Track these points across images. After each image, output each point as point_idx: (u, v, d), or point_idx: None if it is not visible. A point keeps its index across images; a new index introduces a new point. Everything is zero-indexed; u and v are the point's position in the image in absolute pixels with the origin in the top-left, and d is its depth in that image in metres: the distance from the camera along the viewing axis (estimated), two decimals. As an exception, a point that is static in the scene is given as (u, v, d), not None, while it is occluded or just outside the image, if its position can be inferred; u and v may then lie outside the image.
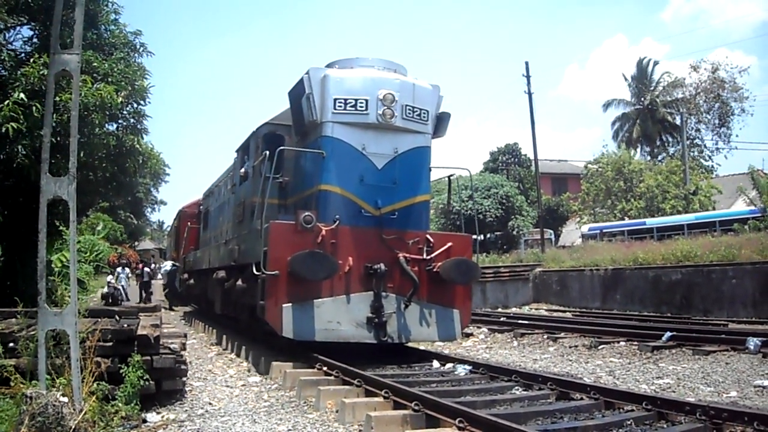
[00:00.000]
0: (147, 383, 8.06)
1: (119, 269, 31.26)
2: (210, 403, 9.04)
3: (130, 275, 31.07)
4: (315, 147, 12.39)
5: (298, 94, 12.66)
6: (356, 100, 12.23)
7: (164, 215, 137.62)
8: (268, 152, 12.45)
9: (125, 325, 8.35)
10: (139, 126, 32.91)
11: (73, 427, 6.29)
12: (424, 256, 12.46)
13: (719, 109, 57.58)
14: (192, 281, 23.17)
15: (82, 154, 20.86)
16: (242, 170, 15.49)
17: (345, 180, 12.22)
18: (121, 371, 7.94)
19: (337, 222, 11.95)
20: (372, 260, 11.98)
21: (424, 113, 12.75)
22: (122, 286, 29.51)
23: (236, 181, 15.97)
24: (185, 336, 10.34)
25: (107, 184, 36.19)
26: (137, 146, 33.53)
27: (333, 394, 9.11)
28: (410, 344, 13.29)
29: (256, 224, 12.64)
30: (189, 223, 26.10)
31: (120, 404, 7.59)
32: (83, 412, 6.55)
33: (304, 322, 11.48)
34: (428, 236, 12.66)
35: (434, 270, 12.38)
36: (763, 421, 6.91)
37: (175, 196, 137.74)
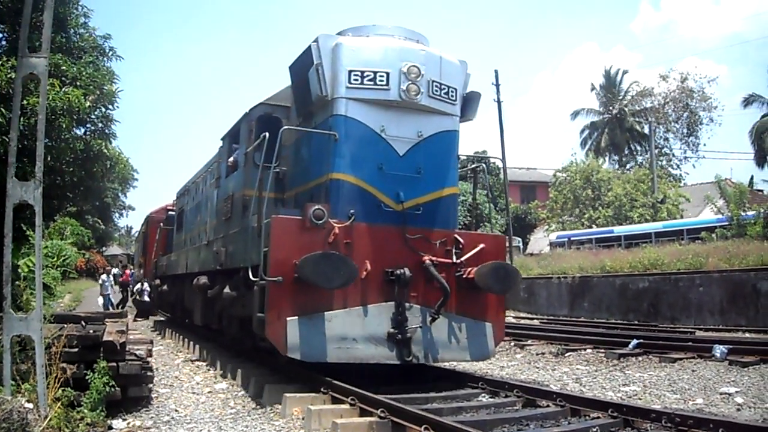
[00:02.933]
0: (113, 389, 7.76)
1: (104, 277, 28.71)
2: (176, 410, 8.66)
3: (113, 283, 28.36)
4: (324, 129, 9.82)
5: (303, 66, 10.05)
6: (375, 73, 9.67)
7: (132, 220, 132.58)
8: (267, 134, 9.73)
9: (91, 331, 7.93)
10: (107, 130, 30.72)
11: None
12: (454, 260, 9.87)
13: (688, 119, 56.18)
14: (165, 287, 20.05)
15: (49, 159, 20.25)
16: (231, 159, 12.72)
17: (361, 168, 9.64)
18: (87, 377, 7.57)
19: (352, 218, 9.36)
20: (393, 264, 9.46)
21: (452, 91, 10.22)
22: (108, 294, 27.31)
23: (222, 173, 13.23)
24: (151, 342, 9.94)
25: (75, 189, 33.94)
26: (105, 151, 31.34)
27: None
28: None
29: (252, 221, 10.01)
30: (161, 224, 23.07)
31: (85, 410, 7.25)
32: (48, 419, 6.31)
33: (313, 339, 8.92)
34: (457, 236, 10.10)
35: (465, 276, 9.83)
36: (729, 427, 6.71)
37: (143, 201, 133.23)
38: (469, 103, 10.65)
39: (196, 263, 14.48)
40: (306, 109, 10.32)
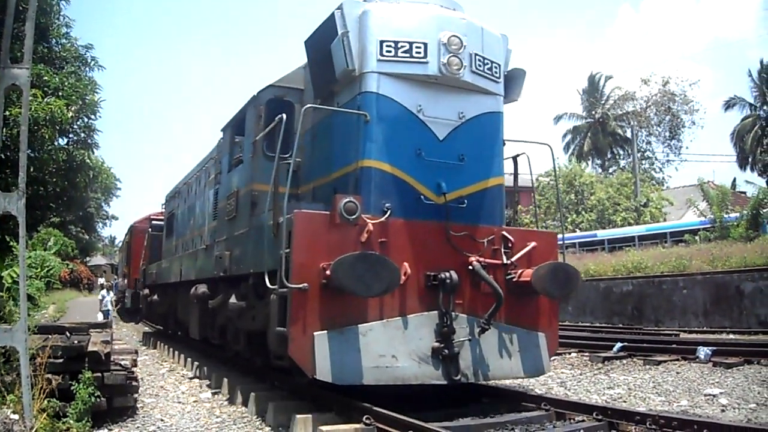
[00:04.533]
0: (98, 400, 7.43)
1: (103, 293, 26.98)
2: (162, 420, 8.29)
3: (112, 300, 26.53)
4: (351, 109, 7.99)
5: (323, 38, 8.29)
6: (410, 44, 7.91)
7: (116, 230, 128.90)
8: (284, 116, 7.86)
9: (76, 342, 7.64)
10: (89, 140, 29.20)
11: None
12: (504, 260, 8.07)
13: (670, 122, 54.85)
14: (156, 297, 17.86)
15: (32, 169, 19.73)
16: (229, 149, 10.77)
17: (396, 154, 7.86)
18: (72, 388, 7.25)
19: (388, 212, 7.53)
20: (435, 266, 7.70)
21: (495, 67, 8.49)
22: (108, 310, 25.50)
23: (223, 167, 11.29)
24: (136, 352, 9.67)
25: (58, 199, 32.27)
26: (88, 161, 29.65)
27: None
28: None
29: (265, 218, 8.14)
30: (150, 230, 20.96)
31: (71, 421, 7.00)
32: (34, 430, 6.10)
33: (345, 357, 7.12)
34: (505, 233, 8.30)
35: (517, 279, 8.06)
36: (713, 429, 6.48)
37: (126, 211, 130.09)
38: (512, 82, 8.90)
39: (191, 270, 12.54)
40: (327, 89, 8.50)
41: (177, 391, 10.46)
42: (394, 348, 7.29)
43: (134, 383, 8.30)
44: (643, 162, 54.24)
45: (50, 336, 7.78)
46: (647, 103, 56.07)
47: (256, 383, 9.71)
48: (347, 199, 7.18)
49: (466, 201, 8.05)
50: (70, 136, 32.13)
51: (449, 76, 7.90)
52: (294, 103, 9.33)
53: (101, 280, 52.22)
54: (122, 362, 8.19)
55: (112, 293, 27.45)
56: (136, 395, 8.53)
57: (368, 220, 7.34)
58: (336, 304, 7.11)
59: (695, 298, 21.50)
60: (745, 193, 40.75)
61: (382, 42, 7.81)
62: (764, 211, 30.66)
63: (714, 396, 9.17)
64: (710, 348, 12.42)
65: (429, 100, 7.99)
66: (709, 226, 31.73)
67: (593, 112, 56.84)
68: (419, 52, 7.84)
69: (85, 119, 31.62)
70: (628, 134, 52.85)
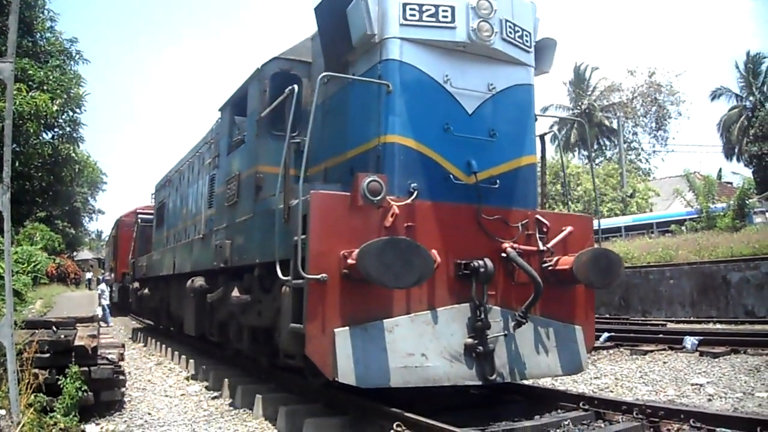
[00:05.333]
0: (85, 394, 7.18)
1: (102, 286, 25.81)
2: (149, 413, 8.06)
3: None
4: (371, 78, 6.97)
5: (337, 2, 7.21)
6: (437, 7, 6.91)
7: (102, 225, 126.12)
8: (296, 87, 6.85)
9: (62, 336, 7.34)
10: (75, 134, 28.47)
11: None
12: (540, 247, 7.09)
13: (656, 113, 54.02)
14: (146, 291, 16.66)
15: (17, 164, 20.14)
16: (228, 130, 9.69)
17: (422, 129, 6.85)
18: (59, 382, 7.00)
19: (415, 193, 6.50)
20: (466, 253, 6.72)
21: (526, 35, 7.52)
22: (107, 304, 24.41)
23: (222, 150, 10.18)
24: (123, 346, 9.22)
25: (44, 194, 31.37)
26: (73, 155, 28.70)
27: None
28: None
29: (274, 202, 7.14)
30: (139, 221, 19.78)
31: (58, 416, 6.72)
32: (21, 425, 5.85)
33: (370, 356, 6.13)
34: (539, 216, 7.32)
35: (552, 268, 7.13)
36: (700, 418, 6.19)
37: (112, 205, 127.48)
38: (542, 52, 7.90)
39: (187, 262, 11.44)
40: (340, 59, 7.45)
41: (164, 385, 10.17)
42: (424, 345, 6.31)
43: (121, 377, 8.04)
44: (630, 153, 53.47)
45: (37, 331, 7.47)
46: (633, 94, 55.29)
47: (258, 384, 8.78)
48: (371, 178, 6.18)
49: (498, 181, 7.07)
50: (56, 130, 31.24)
51: (479, 44, 6.93)
52: (301, 78, 8.28)
53: (89, 275, 50.75)
54: (109, 356, 7.90)
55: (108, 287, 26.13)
56: (123, 389, 8.28)
57: (393, 202, 6.34)
58: (358, 296, 6.15)
59: (682, 288, 21.21)
60: (731, 183, 40.36)
61: (404, 4, 6.82)
62: (750, 201, 30.50)
63: (701, 385, 8.96)
64: (697, 338, 12.24)
65: (456, 69, 7.01)
66: (695, 216, 31.28)
67: (579, 103, 55.70)
68: (446, 17, 6.87)
69: (70, 113, 30.75)
70: (614, 125, 51.92)
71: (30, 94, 23.16)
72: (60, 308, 25.15)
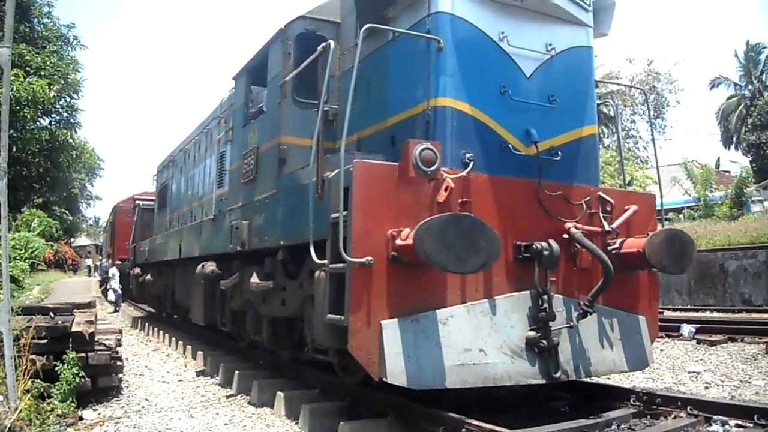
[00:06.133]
0: (83, 380, 6.95)
1: (113, 270, 24.34)
2: (146, 399, 7.73)
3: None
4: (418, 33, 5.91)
5: None
6: None
7: (100, 211, 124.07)
8: (332, 42, 5.81)
9: (60, 322, 7.07)
10: (72, 120, 27.60)
11: (9, 426, 5.42)
12: (606, 227, 6.07)
13: (654, 101, 52.79)
14: (149, 277, 15.48)
15: (14, 150, 19.68)
16: (244, 101, 8.57)
17: (476, 91, 5.80)
18: (57, 368, 6.77)
19: (471, 165, 5.45)
20: (526, 234, 5.73)
21: None
22: (118, 287, 23.31)
23: (236, 122, 9.03)
24: (120, 332, 8.81)
25: (41, 180, 30.46)
26: (71, 141, 27.77)
27: None
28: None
29: (303, 175, 6.09)
30: (140, 204, 18.62)
31: (56, 402, 6.51)
32: (18, 411, 5.66)
33: (424, 353, 5.11)
34: (602, 193, 6.30)
35: (619, 251, 6.10)
36: (697, 405, 5.87)
37: (110, 191, 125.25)
38: (601, 13, 6.86)
39: (195, 246, 10.34)
40: (378, 14, 6.36)
41: (162, 371, 9.85)
42: (482, 339, 5.30)
43: (119, 363, 7.82)
44: (628, 141, 52.33)
45: (34, 317, 7.24)
46: (632, 82, 53.96)
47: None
48: (424, 146, 5.14)
49: (559, 153, 6.04)
50: (53, 115, 30.27)
51: (537, -1, 5.89)
52: (329, 39, 7.20)
53: (88, 261, 49.59)
54: (106, 342, 7.64)
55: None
56: (120, 375, 8.06)
57: (446, 175, 5.30)
58: (408, 283, 5.15)
59: (679, 276, 19.84)
60: (729, 172, 39.55)
61: None
62: (748, 190, 29.80)
63: (698, 373, 8.75)
64: (694, 326, 11.94)
65: (513, 27, 6.00)
66: (693, 204, 30.53)
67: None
68: (501, -34, 5.82)
69: (68, 99, 29.77)
70: (612, 113, 50.77)
71: (27, 79, 22.68)
72: (57, 294, 24.56)
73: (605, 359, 5.98)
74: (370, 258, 4.94)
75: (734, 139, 42.97)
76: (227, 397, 7.70)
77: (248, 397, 7.44)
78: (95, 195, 62.27)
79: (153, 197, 18.59)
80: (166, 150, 18.56)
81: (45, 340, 6.87)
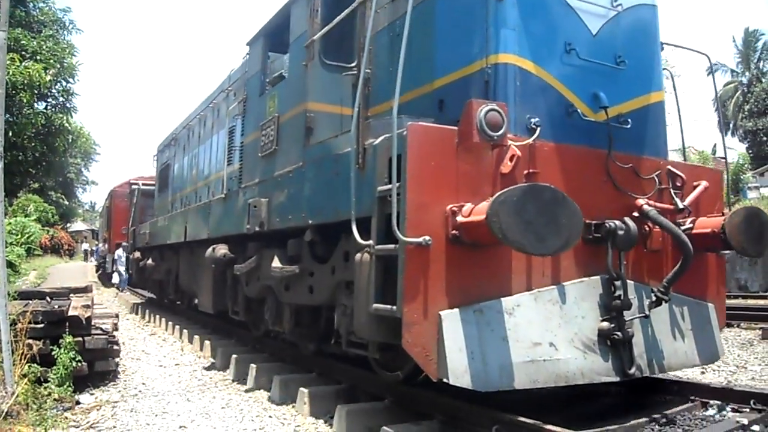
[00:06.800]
0: (79, 364, 6.75)
1: (119, 251, 23.36)
2: (143, 383, 7.52)
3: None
4: None
5: None
6: None
7: (95, 196, 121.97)
8: None
9: (56, 307, 6.98)
10: (68, 104, 27.15)
11: (6, 410, 5.26)
12: (679, 204, 5.22)
13: None
14: (150, 261, 14.42)
15: (10, 134, 19.24)
16: (260, 67, 7.57)
17: (540, 48, 4.95)
18: (53, 353, 6.62)
19: (537, 131, 4.60)
20: (595, 212, 4.86)
21: None
22: (123, 270, 22.40)
23: (251, 91, 8.02)
24: (117, 316, 8.46)
25: (37, 165, 29.84)
26: (67, 125, 27.10)
27: None
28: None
29: (338, 145, 5.25)
30: (140, 185, 17.65)
31: (53, 386, 6.34)
32: (15, 395, 5.52)
33: (489, 349, 4.28)
34: (672, 167, 5.47)
35: (686, 232, 5.21)
36: (692, 389, 5.60)
37: (106, 176, 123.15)
38: None
39: (203, 227, 9.41)
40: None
41: (158, 355, 9.64)
42: (551, 332, 4.48)
43: (115, 347, 7.70)
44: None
45: (31, 301, 7.13)
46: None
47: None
48: (489, 107, 4.27)
49: (629, 121, 5.18)
50: (49, 100, 29.39)
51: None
52: None
53: (85, 246, 48.54)
54: (103, 326, 7.46)
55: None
56: (117, 359, 7.91)
57: (511, 142, 4.44)
58: (469, 267, 4.30)
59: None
60: (725, 158, 38.91)
61: None
62: (744, 176, 29.15)
63: None
64: None
65: None
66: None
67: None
68: None
69: (63, 83, 28.89)
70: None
71: (23, 63, 22.30)
72: (54, 279, 23.66)
73: (677, 352, 5.18)
74: (427, 237, 4.09)
75: (731, 125, 42.27)
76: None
77: (245, 380, 7.21)
78: (91, 180, 61.08)
79: (150, 181, 17.69)
80: (163, 133, 17.66)
81: (42, 325, 6.75)
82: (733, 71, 42.27)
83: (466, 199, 4.25)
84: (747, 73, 40.80)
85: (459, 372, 4.07)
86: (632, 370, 4.73)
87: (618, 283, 4.75)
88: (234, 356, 7.90)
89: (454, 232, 4.18)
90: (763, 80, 38.11)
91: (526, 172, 4.55)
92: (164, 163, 14.50)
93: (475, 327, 4.19)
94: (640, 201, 5.04)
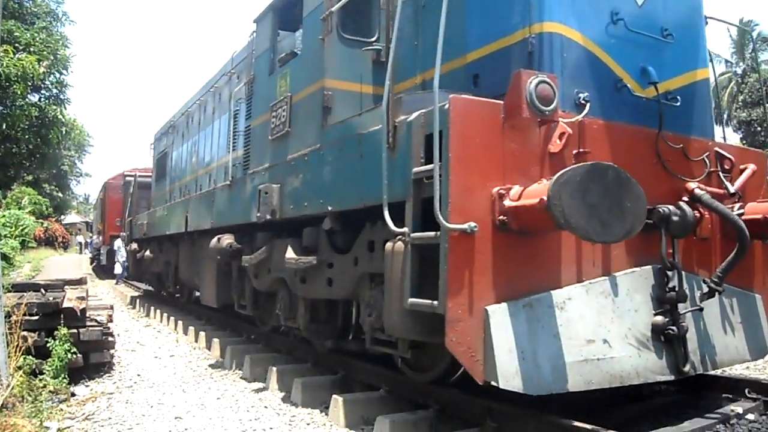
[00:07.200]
0: (74, 356, 6.65)
1: (118, 242, 22.60)
2: (138, 375, 7.35)
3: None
4: None
5: None
6: None
7: (89, 188, 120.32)
8: None
9: (51, 298, 6.89)
10: (61, 96, 26.52)
11: (1, 402, 5.09)
12: (730, 188, 4.75)
13: None
14: (148, 253, 13.63)
15: (4, 126, 19.03)
16: (270, 45, 6.94)
17: (586, 18, 4.43)
18: (48, 345, 6.51)
19: (586, 107, 4.06)
20: (647, 196, 4.08)
21: None
22: (123, 261, 21.51)
23: (259, 70, 7.32)
24: (112, 308, 8.15)
25: (31, 157, 29.48)
26: (60, 117, 26.63)
27: None
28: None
29: (362, 123, 4.75)
30: (137, 174, 17.01)
31: (48, 378, 6.26)
32: (11, 387, 5.41)
33: (540, 348, 3.77)
34: (719, 149, 4.97)
35: (747, 216, 4.73)
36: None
37: (99, 168, 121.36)
38: None
39: (206, 217, 8.83)
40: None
41: (154, 346, 9.40)
42: (605, 328, 3.99)
43: (110, 339, 7.55)
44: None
45: (25, 294, 7.06)
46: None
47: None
48: (539, 78, 3.75)
49: (679, 98, 4.68)
50: (42, 92, 28.74)
51: None
52: None
53: (80, 238, 47.85)
54: (98, 318, 7.34)
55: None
56: (112, 351, 7.76)
57: (560, 119, 3.93)
58: (517, 256, 3.80)
59: None
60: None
61: None
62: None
63: None
64: None
65: None
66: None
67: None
68: None
69: (57, 75, 28.25)
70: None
71: (16, 55, 21.96)
72: (48, 272, 23.24)
73: (728, 347, 4.71)
74: (473, 224, 3.57)
75: (725, 116, 41.85)
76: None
77: (241, 371, 7.10)
78: (85, 172, 60.09)
79: (144, 173, 17.11)
80: (156, 125, 17.05)
81: (36, 317, 6.62)
82: (727, 62, 41.91)
83: (513, 181, 3.76)
84: (741, 64, 40.44)
85: (509, 374, 3.57)
86: (687, 368, 4.26)
87: (671, 273, 4.27)
88: (229, 347, 7.73)
89: (501, 217, 3.68)
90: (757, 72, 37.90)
91: (575, 151, 4.05)
92: (161, 151, 13.83)
93: (524, 323, 3.69)
94: (691, 185, 4.55)
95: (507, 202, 3.67)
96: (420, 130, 3.93)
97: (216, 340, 8.44)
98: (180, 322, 10.69)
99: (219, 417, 5.42)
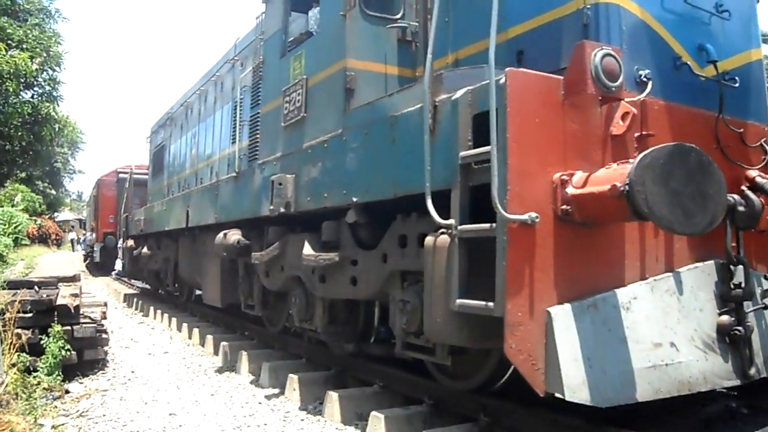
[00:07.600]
0: (68, 353, 6.55)
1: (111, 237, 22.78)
2: (133, 372, 7.23)
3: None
4: None
5: None
6: None
7: (82, 185, 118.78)
8: None
9: (45, 296, 6.80)
10: (54, 93, 25.99)
11: None
12: None
13: None
14: (144, 250, 13.02)
15: None
16: (281, 26, 6.30)
17: None
18: (42, 342, 6.45)
19: (648, 85, 3.58)
20: None
21: None
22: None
23: (270, 53, 6.62)
24: (105, 305, 8.34)
25: (24, 154, 29.35)
26: (53, 114, 26.40)
27: None
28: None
29: (395, 104, 4.22)
30: (134, 167, 16.51)
31: (42, 375, 6.19)
32: (5, 384, 5.30)
33: (607, 354, 3.24)
34: None
35: None
36: None
37: (92, 165, 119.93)
38: None
39: (208, 212, 8.27)
40: None
41: (148, 343, 9.26)
42: (671, 329, 3.52)
43: (104, 336, 7.46)
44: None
45: (19, 291, 6.96)
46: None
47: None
48: (605, 50, 3.26)
49: (737, 79, 4.21)
50: (35, 89, 28.23)
51: None
52: None
53: (72, 235, 47.15)
54: (92, 315, 7.28)
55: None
56: (106, 348, 7.68)
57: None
58: (580, 250, 3.32)
59: None
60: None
61: None
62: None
63: None
64: None
65: None
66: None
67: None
68: None
69: (50, 72, 27.75)
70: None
71: (9, 52, 21.98)
72: (42, 269, 22.54)
73: None
74: (533, 214, 3.08)
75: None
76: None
77: (235, 368, 7.02)
78: (78, 169, 58.95)
79: (139, 169, 16.55)
80: (149, 122, 16.54)
81: (30, 314, 6.56)
82: None
83: (575, 166, 3.28)
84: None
85: (575, 385, 3.09)
86: (752, 371, 3.80)
87: (735, 268, 3.81)
88: (223, 344, 7.62)
89: (564, 206, 3.19)
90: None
91: (637, 134, 3.57)
92: (159, 144, 13.18)
93: (590, 327, 3.21)
94: (752, 173, 4.09)
95: (570, 190, 3.19)
96: (467, 109, 3.43)
97: (210, 337, 8.31)
98: (174, 319, 10.50)
99: (213, 413, 5.37)
